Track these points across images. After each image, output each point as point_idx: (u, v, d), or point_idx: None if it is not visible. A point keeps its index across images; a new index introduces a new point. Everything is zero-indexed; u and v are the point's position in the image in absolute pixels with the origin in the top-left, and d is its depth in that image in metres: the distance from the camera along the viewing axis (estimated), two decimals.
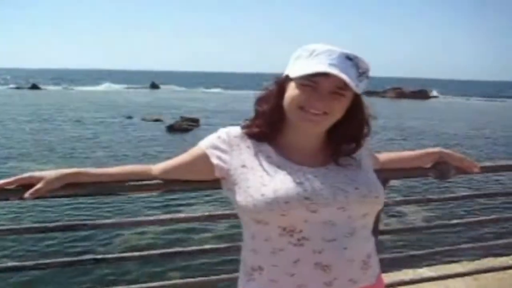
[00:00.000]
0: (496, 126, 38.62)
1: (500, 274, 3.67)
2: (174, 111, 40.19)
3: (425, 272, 3.96)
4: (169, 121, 32.09)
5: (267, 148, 1.84)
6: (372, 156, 2.14)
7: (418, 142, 27.74)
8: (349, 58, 1.72)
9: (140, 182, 2.06)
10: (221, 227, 10.23)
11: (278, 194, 1.67)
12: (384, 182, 2.53)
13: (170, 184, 2.06)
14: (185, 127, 30.12)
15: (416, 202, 3.05)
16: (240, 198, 1.76)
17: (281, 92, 1.81)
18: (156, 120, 34.07)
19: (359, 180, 1.82)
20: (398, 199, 3.03)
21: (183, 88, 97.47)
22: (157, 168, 2.06)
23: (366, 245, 1.82)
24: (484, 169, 2.78)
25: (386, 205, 2.80)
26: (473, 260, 4.23)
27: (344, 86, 1.68)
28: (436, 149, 2.54)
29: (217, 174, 1.86)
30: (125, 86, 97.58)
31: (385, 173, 2.31)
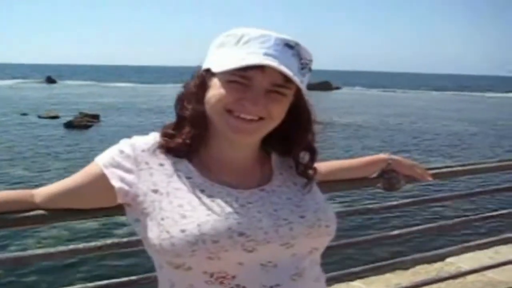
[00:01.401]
0: (398, 116, 40.34)
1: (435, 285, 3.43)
2: (73, 107, 38.58)
3: (359, 286, 3.74)
4: (67, 117, 30.85)
5: (187, 166, 1.42)
6: None
7: (327, 134, 28.18)
8: (289, 45, 1.36)
9: (14, 215, 1.56)
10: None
11: (204, 229, 1.28)
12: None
13: (59, 215, 1.58)
14: (84, 124, 29.06)
15: (357, 213, 2.70)
16: (153, 234, 1.34)
17: (203, 91, 1.41)
18: (53, 117, 32.72)
19: (305, 205, 1.46)
20: (337, 210, 2.67)
21: (87, 82, 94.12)
22: (40, 193, 1.58)
23: (317, 285, 1.47)
24: (437, 176, 2.49)
25: None
26: (408, 268, 4.07)
27: (284, 82, 1.33)
28: (384, 156, 2.24)
29: (120, 200, 1.42)
30: (18, 80, 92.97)
31: (326, 187, 1.98)
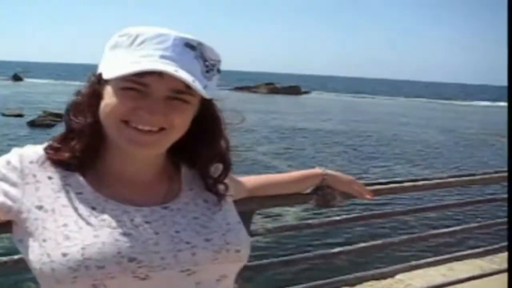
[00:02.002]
0: (366, 122, 40.49)
1: None
2: (38, 106, 37.73)
3: None
4: (31, 116, 30.41)
5: (78, 180, 1.26)
6: (235, 183, 1.67)
7: (293, 140, 28.38)
8: (190, 46, 1.22)
9: None
10: None
11: (88, 253, 1.13)
12: (250, 214, 2.11)
13: None
14: (48, 122, 28.42)
15: (297, 229, 2.53)
16: (34, 257, 1.18)
17: (96, 100, 1.26)
18: (17, 115, 32.19)
19: (213, 226, 1.32)
20: (269, 226, 2.51)
21: (53, 81, 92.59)
22: None
23: None
24: (377, 193, 2.33)
25: (254, 234, 2.32)
26: (354, 285, 3.91)
27: (186, 88, 1.19)
28: (319, 171, 2.09)
29: (2, 217, 1.25)
30: None
31: (252, 203, 1.92)
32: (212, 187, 1.40)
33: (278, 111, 45.64)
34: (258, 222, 2.18)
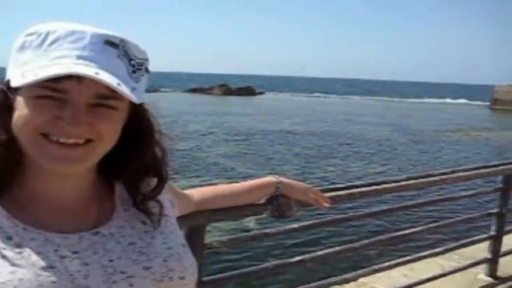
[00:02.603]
0: (321, 122, 40.72)
1: None
2: None
3: None
4: None
5: None
6: (180, 196, 1.52)
7: (250, 142, 28.30)
8: (111, 43, 1.04)
9: None
10: None
11: None
12: (201, 229, 2.02)
13: None
14: None
15: (249, 239, 2.43)
16: None
17: (7, 111, 1.07)
18: None
19: (153, 251, 1.16)
20: (224, 238, 2.42)
21: None
22: None
23: None
24: (336, 199, 2.27)
25: (209, 247, 2.21)
26: None
27: (111, 92, 1.01)
28: (272, 179, 1.96)
29: None
30: None
31: (202, 217, 1.81)
32: (141, 204, 1.23)
33: (233, 112, 45.61)
34: (214, 233, 2.06)
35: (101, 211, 1.18)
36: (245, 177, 18.62)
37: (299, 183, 2.06)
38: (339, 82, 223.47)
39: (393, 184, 2.59)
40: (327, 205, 2.10)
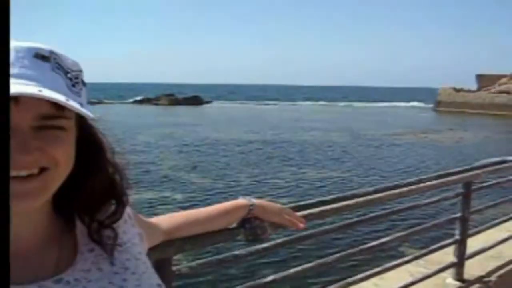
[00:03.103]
0: (271, 129, 40.97)
1: None
2: None
3: None
4: None
5: None
6: (147, 228, 1.35)
7: (201, 152, 28.17)
8: (41, 56, 0.91)
9: None
10: None
11: None
12: (169, 260, 1.90)
13: None
14: None
15: (220, 263, 2.35)
16: None
17: None
18: None
19: None
20: (194, 264, 2.33)
21: None
22: None
23: None
24: (310, 217, 2.23)
25: (178, 275, 2.14)
26: None
27: (55, 110, 0.90)
28: (244, 202, 1.84)
29: None
30: None
31: (171, 248, 1.68)
32: (95, 234, 1.08)
33: (182, 123, 45.39)
34: (183, 256, 1.98)
35: (62, 253, 1.04)
36: (200, 190, 18.67)
37: (272, 204, 1.96)
38: (288, 88, 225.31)
39: (363, 198, 2.57)
40: (302, 226, 2.04)
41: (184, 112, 62.01)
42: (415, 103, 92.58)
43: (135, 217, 1.24)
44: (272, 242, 2.53)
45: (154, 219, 1.56)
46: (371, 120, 52.34)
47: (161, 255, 1.64)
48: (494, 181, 4.10)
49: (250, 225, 1.89)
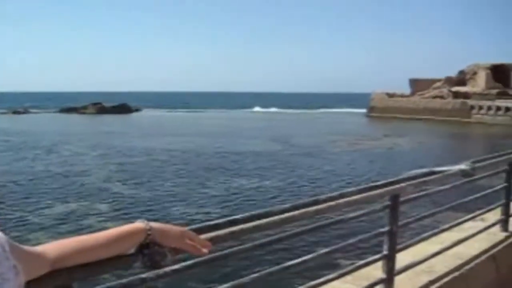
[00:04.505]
0: (199, 137, 41.12)
1: None
2: None
3: None
4: None
5: None
6: (26, 259, 1.31)
7: (128, 161, 27.91)
8: None
9: None
10: None
11: None
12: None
13: None
14: None
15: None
16: None
17: None
18: None
19: None
20: None
21: None
22: None
23: None
24: (216, 240, 2.09)
25: None
26: None
27: None
28: (141, 225, 1.71)
29: None
30: None
31: (57, 280, 1.54)
32: None
33: (109, 131, 45.32)
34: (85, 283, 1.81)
35: None
36: (127, 200, 18.42)
37: (173, 228, 1.83)
38: (219, 96, 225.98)
39: (276, 217, 2.43)
40: (206, 251, 1.88)
41: (111, 120, 61.86)
42: (350, 109, 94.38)
43: (11, 248, 1.19)
44: (182, 264, 2.36)
45: (40, 248, 1.47)
46: (305, 127, 53.16)
47: (49, 285, 1.50)
48: (423, 193, 4.04)
49: (149, 251, 1.76)
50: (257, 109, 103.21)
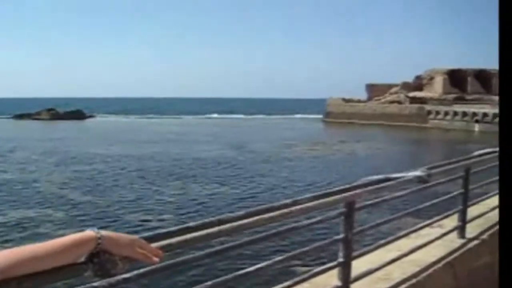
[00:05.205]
0: (154, 143, 40.90)
1: None
2: None
3: None
4: None
5: None
6: None
7: (81, 167, 27.71)
8: None
9: None
10: None
11: None
12: None
13: None
14: None
15: None
16: None
17: None
18: None
19: None
20: None
21: None
22: None
23: None
24: (168, 249, 2.06)
25: None
26: None
27: None
28: (91, 234, 1.71)
29: None
30: None
31: None
32: None
33: (63, 137, 45.06)
34: None
35: None
36: (79, 207, 18.22)
37: (123, 236, 1.83)
38: (174, 101, 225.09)
39: (229, 225, 2.42)
40: (157, 259, 1.88)
41: (65, 127, 61.64)
42: (307, 115, 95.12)
43: None
44: (135, 273, 2.33)
45: None
46: (262, 133, 53.45)
47: None
48: (378, 199, 4.08)
49: (99, 259, 1.77)
50: (214, 115, 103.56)
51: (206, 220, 2.41)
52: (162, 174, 25.75)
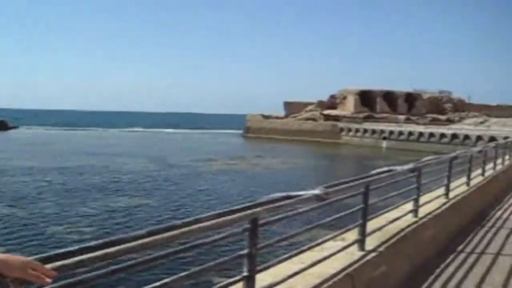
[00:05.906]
0: (76, 155, 39.83)
1: None
2: None
3: None
4: None
5: None
6: None
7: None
8: None
9: None
10: None
11: None
12: None
13: None
14: None
15: None
16: None
17: None
18: None
19: None
20: None
21: None
22: None
23: None
24: (62, 269, 2.00)
25: None
26: None
27: None
28: None
29: None
30: None
31: None
32: None
33: None
34: None
35: None
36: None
37: (15, 258, 1.76)
38: (100, 114, 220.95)
39: (128, 245, 2.37)
40: (49, 280, 1.82)
41: None
42: (228, 130, 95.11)
43: None
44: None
45: None
46: (183, 147, 53.03)
47: None
48: (281, 215, 4.11)
49: None
50: (137, 128, 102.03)
51: (106, 240, 2.34)
52: (84, 187, 25.09)
